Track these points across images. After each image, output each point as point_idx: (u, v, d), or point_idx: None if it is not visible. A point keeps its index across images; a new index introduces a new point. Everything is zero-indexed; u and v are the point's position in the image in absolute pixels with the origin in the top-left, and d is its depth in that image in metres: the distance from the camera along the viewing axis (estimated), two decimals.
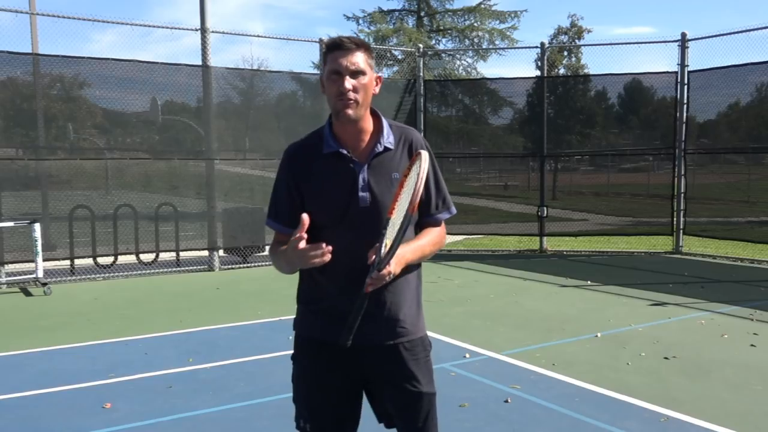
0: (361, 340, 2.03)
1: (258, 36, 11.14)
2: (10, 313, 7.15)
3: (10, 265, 8.72)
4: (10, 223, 8.34)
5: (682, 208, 11.07)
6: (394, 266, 1.94)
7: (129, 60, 9.28)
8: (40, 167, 9.58)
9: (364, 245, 1.96)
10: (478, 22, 28.09)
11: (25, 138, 9.72)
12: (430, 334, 2.34)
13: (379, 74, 2.16)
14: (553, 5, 57.02)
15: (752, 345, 5.56)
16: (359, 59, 2.06)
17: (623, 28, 65.46)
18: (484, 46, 27.79)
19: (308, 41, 10.92)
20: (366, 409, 2.26)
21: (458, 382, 4.64)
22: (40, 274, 8.16)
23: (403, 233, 1.88)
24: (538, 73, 13.75)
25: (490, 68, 52.67)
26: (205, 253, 10.01)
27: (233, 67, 12.16)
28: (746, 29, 10.07)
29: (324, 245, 1.92)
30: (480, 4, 28.10)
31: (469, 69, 27.68)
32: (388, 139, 2.15)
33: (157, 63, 9.62)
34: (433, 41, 27.98)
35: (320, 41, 10.84)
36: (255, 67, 16.12)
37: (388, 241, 1.90)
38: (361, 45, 2.08)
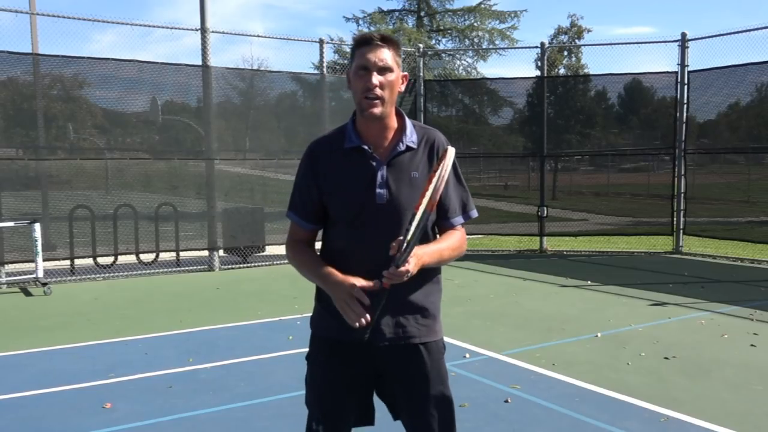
0: (379, 338, 2.04)
1: (258, 36, 11.14)
2: (10, 313, 7.15)
3: (10, 265, 8.72)
4: (10, 223, 8.34)
5: (682, 208, 11.07)
6: (412, 266, 1.90)
7: (129, 60, 9.29)
8: (40, 167, 9.57)
9: (380, 243, 1.94)
10: (478, 22, 28.13)
11: (25, 138, 9.71)
12: None
13: (405, 73, 2.13)
14: (553, 5, 57.12)
15: (752, 345, 5.56)
16: (387, 56, 2.03)
17: (623, 28, 65.57)
18: (484, 46, 27.84)
19: (308, 41, 10.92)
20: (378, 408, 2.25)
21: (458, 382, 4.63)
22: (40, 274, 8.17)
23: (420, 230, 1.86)
24: (538, 73, 13.76)
25: (490, 68, 52.84)
26: (205, 253, 10.01)
27: (233, 67, 12.15)
28: (746, 29, 10.08)
29: (368, 317, 1.93)
30: (480, 4, 28.13)
31: (469, 69, 27.73)
32: (411, 138, 2.12)
33: (157, 63, 9.62)
34: (433, 41, 27.98)
35: (320, 41, 10.85)
36: (255, 67, 16.17)
37: (408, 236, 1.88)
38: (389, 41, 2.05)
